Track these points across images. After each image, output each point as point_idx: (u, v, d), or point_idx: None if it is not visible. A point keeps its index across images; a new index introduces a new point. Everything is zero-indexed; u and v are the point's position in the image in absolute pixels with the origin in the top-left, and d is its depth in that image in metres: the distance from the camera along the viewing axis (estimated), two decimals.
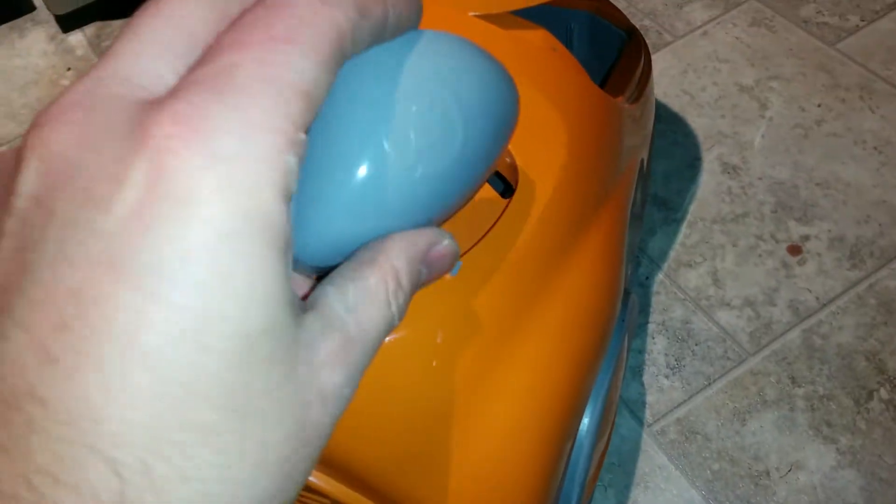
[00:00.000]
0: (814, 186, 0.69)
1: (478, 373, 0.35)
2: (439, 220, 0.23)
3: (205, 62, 0.14)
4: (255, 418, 0.13)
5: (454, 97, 0.22)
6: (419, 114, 0.21)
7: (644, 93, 0.52)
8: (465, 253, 0.34)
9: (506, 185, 0.39)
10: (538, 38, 0.41)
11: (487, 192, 0.38)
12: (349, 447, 0.33)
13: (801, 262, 0.65)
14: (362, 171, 0.20)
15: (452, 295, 0.34)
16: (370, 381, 0.34)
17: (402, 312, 0.19)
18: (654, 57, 0.81)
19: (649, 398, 0.59)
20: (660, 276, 0.65)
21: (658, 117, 0.76)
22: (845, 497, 0.54)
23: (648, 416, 0.59)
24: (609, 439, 0.54)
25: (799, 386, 0.59)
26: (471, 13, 0.39)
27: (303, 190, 0.20)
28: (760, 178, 0.70)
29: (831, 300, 0.62)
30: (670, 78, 0.79)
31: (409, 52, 0.22)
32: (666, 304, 0.64)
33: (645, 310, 0.64)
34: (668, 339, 0.62)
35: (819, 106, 0.75)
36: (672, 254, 0.67)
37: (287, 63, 0.14)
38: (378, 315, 0.17)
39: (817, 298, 0.63)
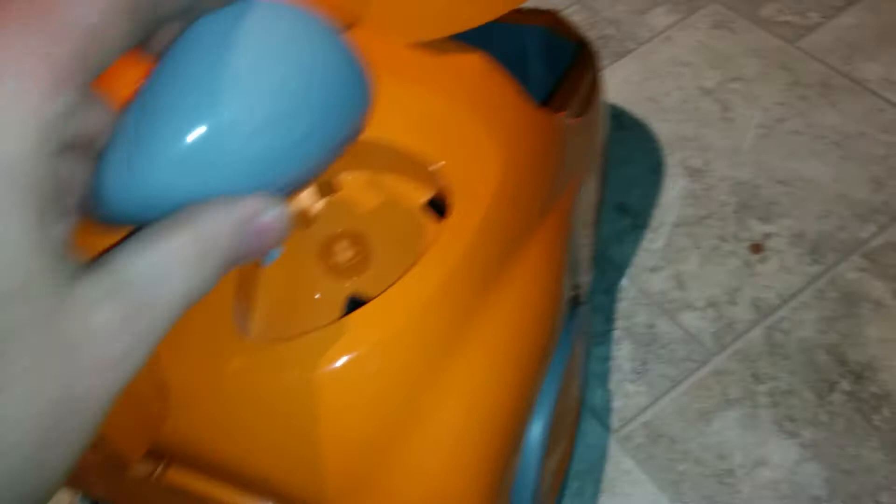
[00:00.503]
0: (775, 184, 0.70)
1: (416, 396, 0.36)
2: (280, 192, 0.22)
3: None
4: (12, 384, 0.12)
5: (301, 73, 0.22)
6: (261, 82, 0.21)
7: (591, 106, 0.54)
8: (401, 276, 0.36)
9: (443, 209, 0.40)
10: (474, 61, 0.42)
11: (425, 214, 0.40)
12: (292, 475, 0.35)
13: (763, 260, 0.66)
14: (193, 127, 0.19)
15: (387, 321, 0.35)
16: (309, 410, 0.35)
17: (212, 280, 0.17)
18: (617, 65, 0.83)
19: (615, 404, 0.61)
20: (624, 283, 0.67)
21: (622, 124, 0.77)
22: (809, 490, 0.54)
23: (615, 421, 0.60)
24: (571, 449, 0.55)
25: (762, 383, 0.60)
26: (405, 42, 0.41)
27: (133, 143, 0.19)
28: (722, 180, 0.71)
29: (792, 296, 0.63)
30: (634, 85, 0.81)
31: (268, 25, 0.22)
32: (630, 310, 0.65)
33: (610, 317, 0.65)
34: (633, 344, 0.63)
35: (780, 104, 0.76)
36: (636, 260, 0.68)
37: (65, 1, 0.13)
38: (177, 282, 0.16)
39: (779, 295, 0.64)
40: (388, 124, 0.37)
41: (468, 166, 0.39)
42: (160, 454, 0.36)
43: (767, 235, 0.67)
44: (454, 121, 0.39)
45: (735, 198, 0.70)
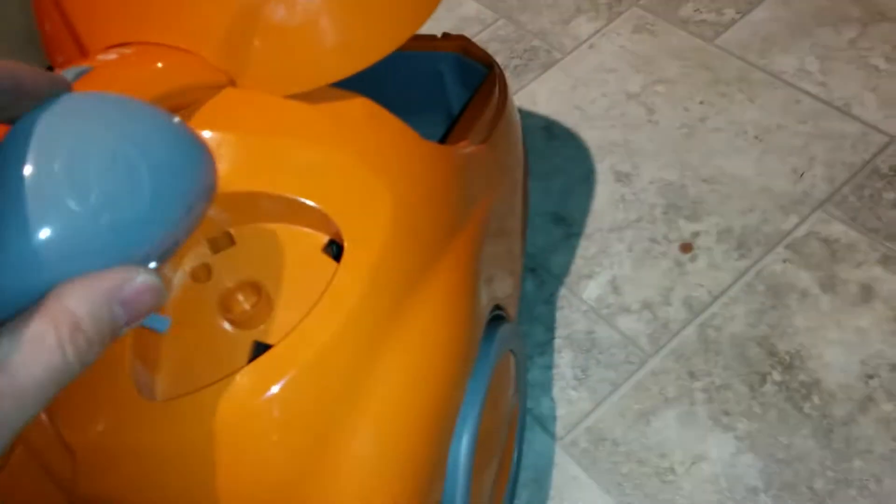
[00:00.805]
0: (700, 183, 0.72)
1: (325, 433, 0.37)
2: (145, 261, 0.24)
3: None
4: None
5: (135, 150, 0.24)
6: (98, 166, 0.23)
7: (496, 130, 0.55)
8: (300, 321, 0.37)
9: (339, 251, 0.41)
10: (356, 107, 0.43)
11: (323, 258, 0.41)
12: None
13: (693, 259, 0.68)
14: (39, 220, 0.21)
15: (287, 365, 0.36)
16: (216, 460, 0.36)
17: (86, 358, 0.19)
18: (545, 76, 0.84)
19: (559, 412, 0.62)
20: (563, 292, 0.68)
21: (552, 134, 0.79)
22: (746, 482, 0.56)
23: (559, 429, 0.61)
24: (511, 461, 0.56)
25: (697, 380, 0.61)
26: (286, 94, 0.42)
27: None
28: (651, 182, 0.73)
29: (722, 292, 0.65)
30: (561, 95, 0.82)
31: (92, 114, 0.24)
32: (570, 318, 0.66)
33: (550, 326, 0.66)
34: (574, 351, 0.65)
35: (701, 103, 0.78)
36: (573, 268, 0.69)
37: None
38: (40, 364, 0.17)
39: (709, 292, 0.65)
40: (274, 177, 0.38)
41: (358, 208, 0.40)
42: None
43: (696, 234, 0.69)
44: (339, 166, 0.40)
45: (663, 199, 0.72)
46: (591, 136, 0.78)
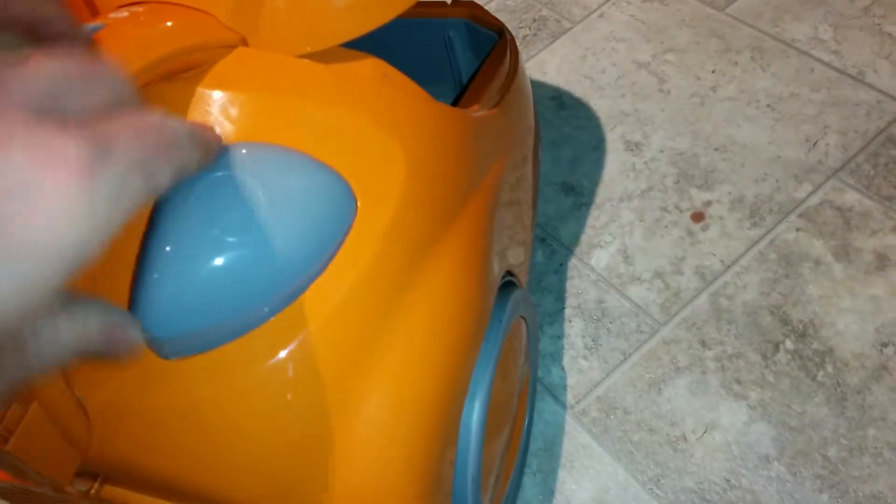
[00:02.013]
0: (713, 152, 0.71)
1: (339, 394, 0.37)
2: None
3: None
4: None
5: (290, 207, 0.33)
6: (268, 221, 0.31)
7: (507, 96, 0.54)
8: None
9: None
10: (368, 67, 0.43)
11: None
12: (223, 484, 0.36)
13: (705, 228, 0.67)
14: (207, 261, 0.30)
15: (298, 327, 0.36)
16: (231, 418, 0.36)
17: (81, 348, 0.20)
18: (555, 45, 0.83)
19: (570, 381, 0.62)
20: (573, 261, 0.68)
21: (562, 104, 0.78)
22: (759, 450, 0.56)
23: (570, 398, 0.61)
24: (521, 429, 0.56)
25: (709, 348, 0.61)
26: (296, 55, 0.41)
27: (163, 273, 0.29)
28: (662, 151, 0.72)
29: (735, 261, 0.65)
30: (571, 64, 0.81)
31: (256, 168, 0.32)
32: (580, 288, 0.66)
33: (561, 296, 0.66)
34: (584, 320, 0.64)
35: (713, 72, 0.77)
36: (583, 237, 0.69)
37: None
38: (64, 337, 0.19)
39: (721, 261, 0.65)
40: (287, 137, 0.38)
41: (371, 167, 0.39)
42: (94, 474, 0.36)
43: (708, 203, 0.68)
44: (352, 126, 0.40)
45: (675, 168, 0.71)
46: (601, 105, 0.77)
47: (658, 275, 0.65)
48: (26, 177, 0.15)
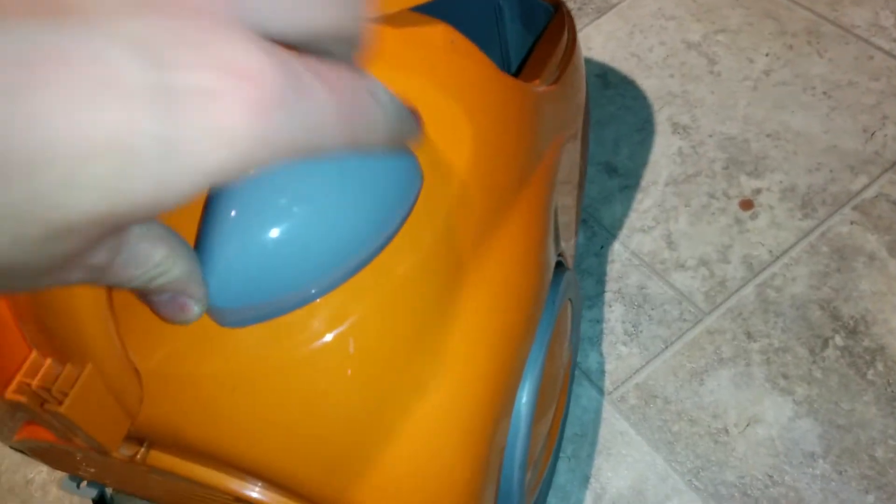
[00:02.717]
0: (764, 138, 0.69)
1: (396, 372, 0.36)
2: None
3: None
4: None
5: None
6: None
7: (566, 71, 0.52)
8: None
9: None
10: (436, 33, 0.41)
11: None
12: (277, 456, 0.34)
13: (754, 217, 0.65)
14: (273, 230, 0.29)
15: (359, 302, 0.34)
16: (291, 390, 0.35)
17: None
18: (600, 20, 0.81)
19: (608, 366, 0.60)
20: (615, 245, 0.66)
21: (607, 82, 0.76)
22: (803, 446, 0.54)
23: (608, 384, 0.59)
24: (563, 413, 0.55)
25: (754, 341, 0.59)
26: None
27: (227, 239, 0.29)
28: (711, 136, 0.70)
29: (784, 252, 0.63)
30: (617, 41, 0.79)
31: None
32: (621, 272, 0.64)
33: (601, 279, 0.64)
34: (625, 306, 0.63)
35: (766, 55, 0.74)
36: (626, 220, 0.67)
37: None
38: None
39: (770, 251, 0.63)
40: None
41: (437, 138, 0.38)
42: (140, 439, 0.35)
43: (757, 191, 0.66)
44: (419, 94, 0.38)
45: (724, 154, 0.69)
46: (648, 84, 0.75)
47: (703, 262, 0.63)
48: (208, 80, 0.13)
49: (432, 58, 0.40)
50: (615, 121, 0.73)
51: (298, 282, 0.32)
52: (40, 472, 0.61)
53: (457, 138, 0.38)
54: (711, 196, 0.67)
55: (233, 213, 0.30)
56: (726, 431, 0.56)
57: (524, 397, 0.43)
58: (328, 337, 0.33)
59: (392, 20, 0.40)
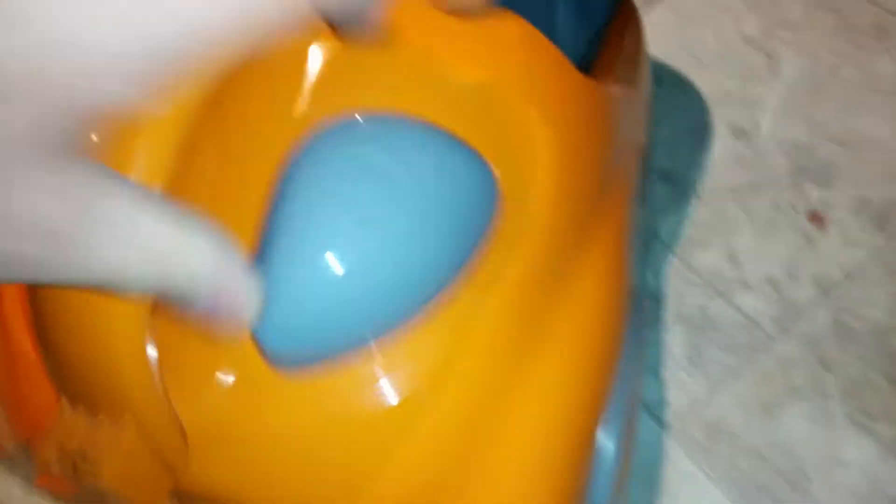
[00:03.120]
0: (833, 145, 0.63)
1: (475, 431, 0.30)
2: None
3: None
4: None
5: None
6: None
7: (637, 71, 0.46)
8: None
9: None
10: (509, 27, 0.35)
11: None
12: None
13: (825, 232, 0.59)
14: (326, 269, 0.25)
15: (432, 343, 0.29)
16: (357, 456, 0.29)
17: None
18: (648, 11, 0.75)
19: (669, 396, 0.55)
20: (671, 259, 0.60)
21: (657, 79, 0.70)
22: (890, 491, 0.49)
23: (669, 416, 0.54)
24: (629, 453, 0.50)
25: (830, 371, 0.54)
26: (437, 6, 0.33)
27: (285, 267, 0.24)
28: (774, 141, 0.64)
29: (861, 272, 0.57)
30: (667, 34, 0.73)
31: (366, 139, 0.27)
32: (680, 290, 0.59)
33: (659, 298, 0.59)
34: (686, 328, 0.57)
35: (831, 53, 0.68)
36: (683, 233, 0.61)
37: None
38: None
39: (845, 271, 0.57)
40: (422, 101, 0.31)
41: (517, 154, 0.32)
42: (178, 498, 0.30)
43: (827, 203, 0.61)
44: (497, 100, 0.32)
45: (789, 161, 0.63)
46: (702, 82, 0.69)
47: (770, 282, 0.58)
48: None
49: (506, 56, 0.35)
50: (668, 122, 0.67)
51: (365, 318, 0.27)
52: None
53: (538, 151, 0.33)
54: (777, 208, 0.61)
55: (293, 243, 0.25)
56: (803, 472, 0.51)
57: (610, 436, 0.38)
58: (404, 388, 0.28)
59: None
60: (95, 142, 0.15)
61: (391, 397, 0.28)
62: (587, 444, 0.35)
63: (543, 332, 0.32)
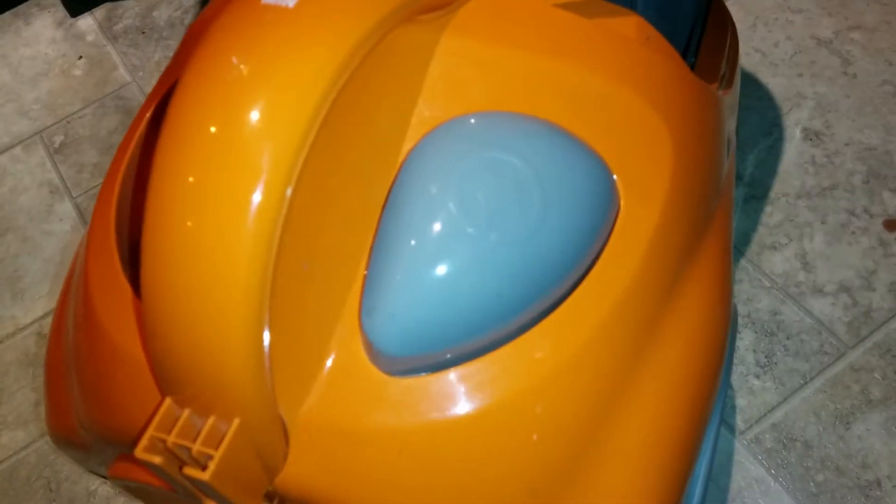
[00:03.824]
0: None
1: (584, 439, 0.30)
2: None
3: None
4: None
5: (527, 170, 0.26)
6: (487, 188, 0.25)
7: (735, 73, 0.46)
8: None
9: None
10: (630, 26, 0.34)
11: None
12: None
13: None
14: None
15: (544, 352, 0.28)
16: (465, 458, 0.29)
17: None
18: None
19: (740, 401, 0.54)
20: (742, 262, 0.59)
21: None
22: None
23: (740, 422, 0.53)
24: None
25: None
26: (553, 3, 0.33)
27: (406, 273, 0.24)
28: (847, 145, 0.63)
29: None
30: (739, 34, 0.71)
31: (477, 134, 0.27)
32: (751, 294, 0.58)
33: None
34: (756, 332, 0.56)
35: None
36: (754, 235, 0.60)
37: None
38: None
39: None
40: (542, 104, 0.31)
41: (637, 156, 0.32)
42: (270, 496, 0.30)
43: None
44: (617, 102, 0.32)
45: (863, 166, 0.62)
46: (774, 84, 0.68)
47: (844, 288, 0.57)
48: None
49: (628, 55, 0.34)
50: (740, 123, 0.66)
51: (483, 326, 0.27)
52: (104, 484, 0.56)
53: (657, 153, 0.32)
54: (851, 213, 0.60)
55: (412, 242, 0.25)
56: (878, 485, 0.50)
57: (707, 449, 0.38)
58: (510, 392, 0.28)
59: (581, 9, 0.34)
60: None
61: (497, 400, 0.28)
62: (693, 449, 0.34)
63: (657, 336, 0.32)
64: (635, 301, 0.31)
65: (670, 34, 0.53)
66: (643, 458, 0.31)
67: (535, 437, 0.29)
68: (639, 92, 0.33)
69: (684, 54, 0.49)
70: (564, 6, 0.33)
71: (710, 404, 0.35)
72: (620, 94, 0.33)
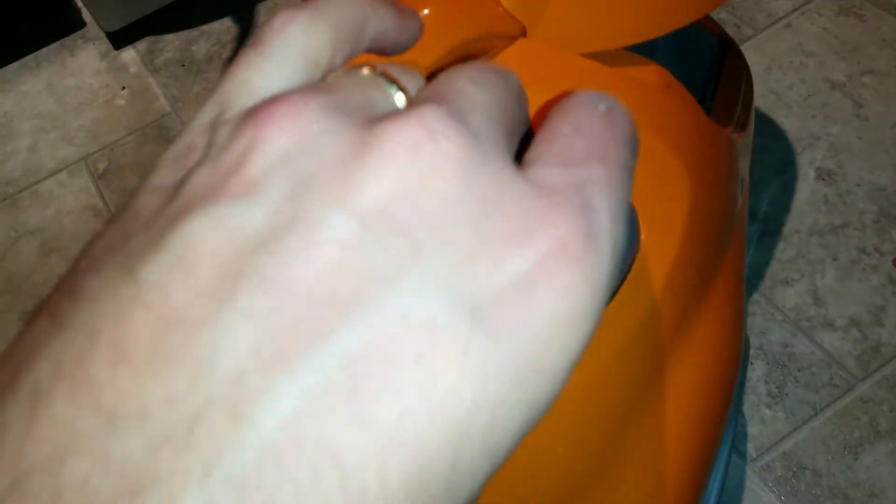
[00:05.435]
0: None
1: (601, 456, 0.32)
2: None
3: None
4: None
5: None
6: None
7: (750, 117, 0.48)
8: None
9: None
10: (652, 75, 0.37)
11: None
12: None
13: None
14: None
15: (571, 381, 0.31)
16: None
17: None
18: None
19: (751, 430, 0.56)
20: (755, 296, 0.62)
21: None
22: None
23: (751, 449, 0.55)
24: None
25: None
26: (579, 52, 0.36)
27: None
28: (859, 185, 0.66)
29: None
30: (753, 76, 0.74)
31: None
32: (763, 326, 0.60)
33: None
34: (768, 364, 0.58)
35: None
36: (767, 270, 0.63)
37: None
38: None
39: None
40: None
41: (656, 192, 0.34)
42: None
43: None
44: (640, 142, 0.35)
45: (874, 205, 0.64)
46: (788, 124, 0.70)
47: (854, 323, 0.59)
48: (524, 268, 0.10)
49: (648, 101, 0.37)
50: (754, 162, 0.68)
51: None
52: None
53: (675, 190, 0.35)
54: (862, 251, 0.62)
55: None
56: None
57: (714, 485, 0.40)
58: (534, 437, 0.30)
59: (607, 58, 0.37)
60: None
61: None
62: (704, 470, 0.36)
63: (672, 361, 0.34)
64: (653, 327, 0.33)
65: (688, 81, 0.56)
66: (657, 476, 0.34)
67: (559, 450, 0.31)
68: (659, 136, 0.35)
69: (701, 100, 0.51)
70: (589, 56, 0.36)
71: (721, 427, 0.37)
72: (642, 137, 0.35)
